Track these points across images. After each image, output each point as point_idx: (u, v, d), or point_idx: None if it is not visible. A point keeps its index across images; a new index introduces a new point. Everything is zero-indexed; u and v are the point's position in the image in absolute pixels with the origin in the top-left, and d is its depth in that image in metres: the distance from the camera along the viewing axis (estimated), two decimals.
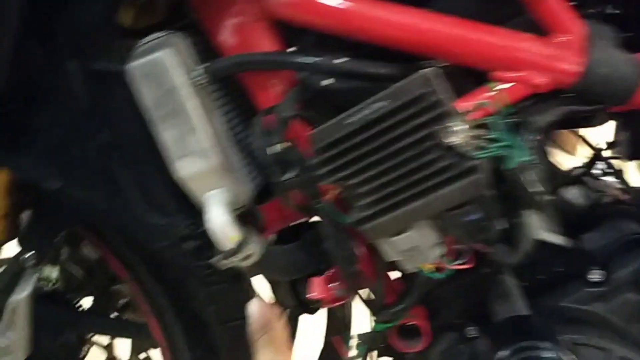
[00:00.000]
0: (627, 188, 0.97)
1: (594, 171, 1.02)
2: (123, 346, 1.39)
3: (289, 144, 0.69)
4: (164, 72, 0.71)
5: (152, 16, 0.98)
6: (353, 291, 0.82)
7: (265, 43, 0.76)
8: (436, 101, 0.63)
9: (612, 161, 1.01)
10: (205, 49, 0.78)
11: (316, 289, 0.80)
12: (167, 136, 0.74)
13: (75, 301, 1.30)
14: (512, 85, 0.70)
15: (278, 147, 0.68)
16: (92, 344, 1.36)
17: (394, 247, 0.72)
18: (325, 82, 0.75)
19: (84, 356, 1.34)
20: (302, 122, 0.77)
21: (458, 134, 0.64)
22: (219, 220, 0.75)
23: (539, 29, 0.71)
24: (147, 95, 0.73)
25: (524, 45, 0.70)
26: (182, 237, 0.80)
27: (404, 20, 0.71)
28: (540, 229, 0.72)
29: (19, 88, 0.73)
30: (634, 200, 0.97)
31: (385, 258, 0.74)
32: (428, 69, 0.65)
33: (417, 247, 0.71)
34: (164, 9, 0.96)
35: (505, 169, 0.66)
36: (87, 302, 1.33)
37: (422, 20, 0.71)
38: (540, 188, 0.67)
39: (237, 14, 0.76)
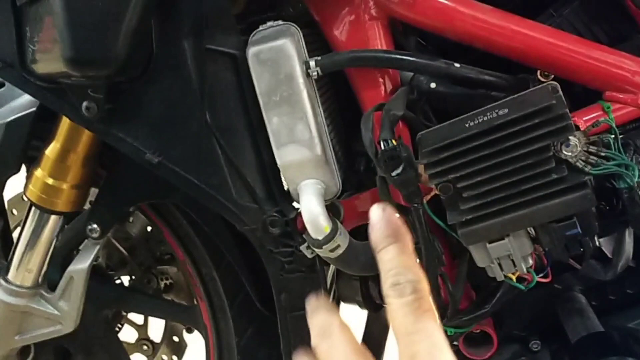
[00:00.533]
0: None
1: None
2: (156, 326, 1.39)
3: (399, 140, 0.70)
4: (285, 60, 0.72)
5: (233, 6, 0.99)
6: (433, 293, 0.82)
7: (378, 41, 0.77)
8: (558, 115, 0.65)
9: None
10: (309, 43, 0.79)
11: None
12: (276, 122, 0.75)
13: (115, 278, 1.31)
14: (624, 107, 0.72)
15: (389, 143, 0.70)
16: (127, 322, 1.37)
17: (489, 253, 0.73)
18: (433, 85, 0.77)
19: (117, 333, 1.34)
20: (404, 123, 0.78)
21: (574, 148, 0.66)
22: (314, 209, 0.76)
23: None
24: (263, 80, 0.74)
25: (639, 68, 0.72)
26: (270, 222, 0.81)
27: (524, 31, 0.72)
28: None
29: (136, 61, 0.74)
30: None
31: (477, 264, 0.75)
32: (551, 82, 0.66)
33: (511, 256, 0.73)
34: (246, 2, 0.98)
35: (619, 187, 0.67)
36: (127, 281, 1.33)
37: (540, 33, 0.72)
38: None
39: (353, 11, 0.77)
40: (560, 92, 0.65)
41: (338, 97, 0.88)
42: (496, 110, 0.66)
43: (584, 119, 0.72)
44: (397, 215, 0.49)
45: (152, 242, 1.31)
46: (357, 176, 0.91)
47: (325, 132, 0.79)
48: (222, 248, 1.06)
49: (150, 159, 0.79)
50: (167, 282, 1.31)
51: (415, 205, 0.74)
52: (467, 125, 0.67)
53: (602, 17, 0.78)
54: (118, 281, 1.32)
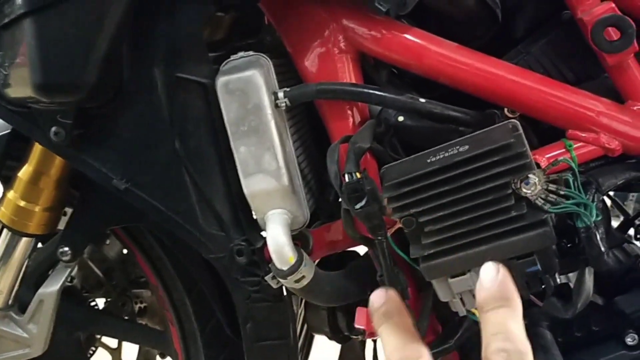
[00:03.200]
0: None
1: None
2: (130, 351, 1.38)
3: (364, 173, 0.71)
4: (253, 90, 0.73)
5: (215, 32, 1.01)
6: None
7: (347, 74, 0.78)
8: (517, 153, 0.65)
9: None
10: (281, 73, 0.80)
11: (363, 319, 0.81)
12: (244, 152, 0.76)
13: (90, 301, 1.30)
14: (586, 146, 0.73)
15: (354, 176, 0.70)
16: (101, 345, 1.36)
17: (450, 288, 0.73)
18: (401, 118, 0.77)
19: (90, 357, 1.33)
20: (371, 155, 0.79)
21: (533, 186, 0.66)
22: (279, 240, 0.77)
23: (615, 94, 0.74)
24: (231, 110, 0.75)
25: (603, 108, 0.73)
26: (236, 251, 0.82)
27: (488, 69, 0.73)
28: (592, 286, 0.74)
29: (106, 87, 0.75)
30: None
31: (440, 298, 0.75)
32: (512, 120, 0.67)
33: (472, 291, 0.73)
34: (228, 28, 0.99)
35: (577, 226, 0.68)
36: (102, 303, 1.32)
37: (505, 71, 0.73)
38: (605, 247, 0.69)
39: (322, 44, 0.78)
40: (521, 131, 0.65)
41: (313, 126, 0.89)
42: (457, 147, 0.67)
43: (547, 156, 0.73)
44: (511, 279, 0.50)
45: (128, 265, 1.30)
46: (329, 206, 0.92)
47: (294, 162, 0.79)
48: (194, 273, 1.06)
49: (118, 184, 0.79)
50: (142, 305, 1.30)
51: (379, 237, 0.74)
52: (428, 160, 0.68)
53: (569, 56, 0.79)
54: (93, 303, 1.32)
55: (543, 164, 0.70)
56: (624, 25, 0.68)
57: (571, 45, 0.79)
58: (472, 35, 0.80)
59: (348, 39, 0.77)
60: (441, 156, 0.67)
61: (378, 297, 0.52)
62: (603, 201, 0.76)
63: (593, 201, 0.71)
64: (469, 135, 0.68)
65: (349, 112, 0.79)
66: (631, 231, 1.12)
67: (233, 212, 0.82)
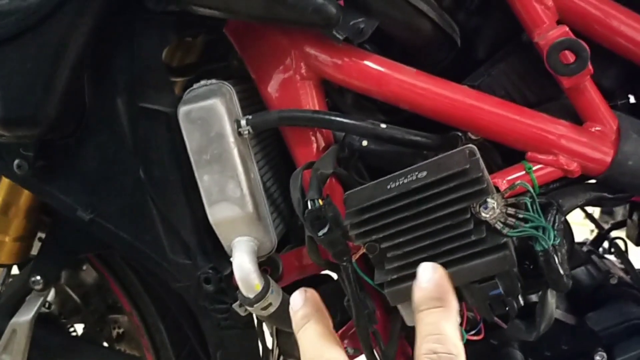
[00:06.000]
0: (629, 269, 1.00)
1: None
2: None
3: (326, 200, 0.71)
4: (215, 119, 0.74)
5: (186, 56, 1.01)
6: (366, 350, 0.82)
7: (310, 101, 0.78)
8: (475, 178, 0.66)
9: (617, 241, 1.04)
10: (246, 98, 0.80)
11: None
12: (207, 180, 0.76)
13: (68, 327, 1.29)
14: (545, 168, 0.74)
15: (316, 203, 0.70)
16: None
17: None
18: (365, 143, 0.78)
19: None
20: (336, 180, 0.79)
21: (492, 210, 0.67)
22: (245, 267, 0.77)
23: (574, 115, 0.75)
24: (194, 139, 0.75)
25: (561, 131, 0.74)
26: (204, 279, 0.81)
27: (447, 94, 0.74)
28: (556, 307, 0.74)
29: (68, 118, 0.75)
30: (637, 283, 1.00)
31: (406, 322, 0.75)
32: (469, 145, 0.68)
33: None
34: (200, 52, 1.00)
35: (536, 249, 0.68)
36: (79, 329, 1.32)
37: (463, 96, 0.74)
38: (566, 270, 0.69)
39: (285, 70, 0.79)
40: (477, 156, 0.66)
41: (283, 148, 0.89)
42: (416, 173, 0.67)
43: (507, 178, 0.74)
44: (448, 280, 0.48)
45: (105, 290, 1.30)
46: (299, 230, 0.92)
47: (259, 188, 0.79)
48: (166, 299, 1.06)
49: (82, 215, 0.79)
50: (119, 330, 1.29)
51: (344, 263, 0.74)
52: (388, 187, 0.68)
53: (529, 77, 0.80)
54: (72, 329, 1.31)
55: (502, 187, 0.71)
56: (578, 49, 0.69)
57: (531, 67, 0.80)
58: (433, 60, 0.81)
59: (310, 66, 0.78)
60: (400, 182, 0.68)
61: (296, 300, 0.52)
62: (565, 222, 0.76)
63: (554, 223, 0.72)
64: (428, 161, 0.68)
65: (313, 137, 0.79)
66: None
67: (200, 240, 0.82)
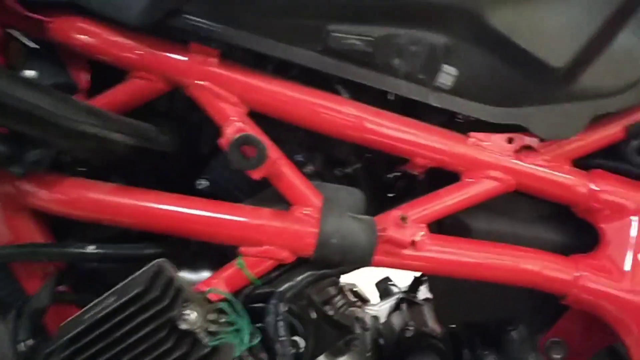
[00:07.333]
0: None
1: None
2: None
3: (36, 340, 0.69)
4: None
5: None
6: None
7: (27, 233, 0.77)
8: (154, 298, 0.65)
9: None
10: None
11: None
12: None
13: None
14: (257, 260, 0.73)
15: (22, 346, 0.69)
16: None
17: None
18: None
19: None
20: (70, 305, 0.78)
21: (193, 321, 0.66)
22: None
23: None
24: None
25: (265, 221, 0.74)
26: None
27: (142, 204, 0.73)
28: None
29: None
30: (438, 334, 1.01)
31: None
32: (158, 260, 0.67)
33: None
34: None
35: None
36: None
37: (168, 204, 0.73)
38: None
39: None
40: (165, 272, 0.66)
41: None
42: (108, 299, 0.66)
43: (224, 275, 0.73)
44: None
45: None
46: None
47: None
48: None
49: None
50: None
51: None
52: (85, 317, 0.67)
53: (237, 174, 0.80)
54: None
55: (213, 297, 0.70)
56: (254, 142, 0.69)
57: None
58: (149, 169, 0.81)
59: (20, 200, 0.76)
60: (93, 312, 0.67)
61: None
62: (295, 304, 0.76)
63: (276, 313, 0.71)
64: (120, 285, 0.67)
65: (38, 269, 0.78)
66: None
67: None
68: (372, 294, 1.28)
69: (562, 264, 0.78)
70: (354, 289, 1.22)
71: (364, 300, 1.22)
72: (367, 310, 1.15)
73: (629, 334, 0.78)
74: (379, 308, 1.17)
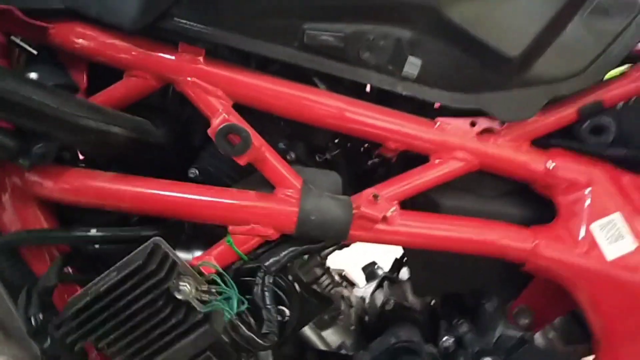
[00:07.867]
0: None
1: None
2: None
3: (47, 313, 0.77)
4: None
5: None
6: None
7: (35, 220, 0.84)
8: (151, 271, 0.73)
9: None
10: None
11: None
12: None
13: None
14: (245, 238, 0.81)
15: (37, 319, 0.76)
16: None
17: None
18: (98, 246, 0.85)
19: None
20: (75, 286, 0.86)
21: (185, 292, 0.73)
22: None
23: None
24: None
25: (251, 202, 0.81)
26: None
27: (139, 190, 0.80)
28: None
29: None
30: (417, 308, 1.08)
31: None
32: (155, 239, 0.75)
33: None
34: None
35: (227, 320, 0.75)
36: None
37: (159, 189, 0.81)
38: (270, 327, 0.76)
39: (4, 191, 0.84)
40: (161, 248, 0.73)
41: None
42: (109, 274, 0.74)
43: (214, 252, 0.81)
44: None
45: None
46: None
47: None
48: None
49: None
50: None
51: None
52: (90, 290, 0.75)
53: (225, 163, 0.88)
54: None
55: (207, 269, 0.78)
56: (239, 130, 0.77)
57: None
58: (147, 159, 0.89)
59: (27, 189, 0.83)
60: (97, 285, 0.74)
61: None
62: (281, 278, 0.83)
63: (262, 285, 0.79)
64: (121, 262, 0.75)
65: (45, 252, 0.85)
66: None
67: None
68: (361, 280, 1.36)
69: (521, 234, 0.86)
70: (343, 273, 1.29)
71: (352, 284, 1.29)
72: (354, 292, 1.23)
73: (583, 297, 0.86)
74: (364, 290, 1.25)
